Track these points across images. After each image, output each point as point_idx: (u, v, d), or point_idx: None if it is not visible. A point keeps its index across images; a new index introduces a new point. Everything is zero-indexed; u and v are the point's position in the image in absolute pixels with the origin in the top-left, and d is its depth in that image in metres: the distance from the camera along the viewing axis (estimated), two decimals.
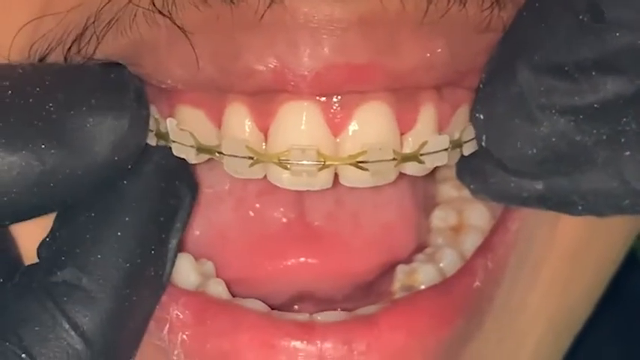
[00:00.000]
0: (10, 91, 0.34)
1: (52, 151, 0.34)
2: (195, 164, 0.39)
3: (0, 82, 0.34)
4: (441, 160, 0.38)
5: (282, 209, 0.43)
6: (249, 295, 0.40)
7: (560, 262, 0.42)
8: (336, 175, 0.38)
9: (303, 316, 0.39)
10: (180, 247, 0.41)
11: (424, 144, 0.37)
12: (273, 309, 0.40)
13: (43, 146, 0.34)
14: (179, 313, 0.38)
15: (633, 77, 0.33)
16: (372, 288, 0.43)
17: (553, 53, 0.34)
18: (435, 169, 0.40)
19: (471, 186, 0.39)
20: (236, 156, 0.37)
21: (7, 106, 0.34)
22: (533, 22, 0.34)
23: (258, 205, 0.43)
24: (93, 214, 0.36)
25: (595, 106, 0.34)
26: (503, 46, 0.36)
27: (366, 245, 0.43)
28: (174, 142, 0.38)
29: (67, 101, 0.34)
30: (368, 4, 0.34)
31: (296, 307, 0.43)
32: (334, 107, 0.37)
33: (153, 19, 0.35)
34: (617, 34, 0.32)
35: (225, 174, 0.40)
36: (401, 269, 0.41)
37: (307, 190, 0.38)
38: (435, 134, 0.38)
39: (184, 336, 0.38)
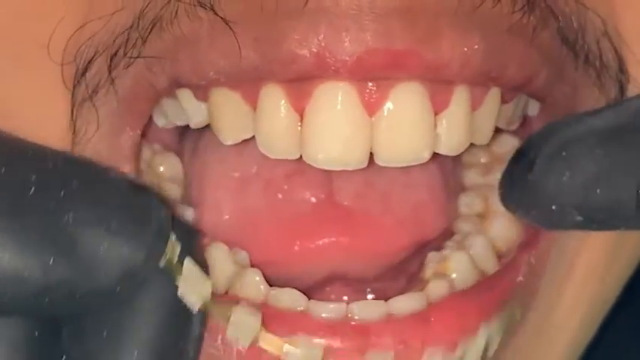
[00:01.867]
0: (34, 188, 0.31)
1: (58, 268, 0.31)
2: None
3: (28, 174, 0.31)
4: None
5: (311, 190, 0.43)
6: (280, 276, 0.41)
7: (595, 255, 0.42)
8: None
9: (380, 309, 0.39)
10: (212, 235, 0.41)
11: None
12: (305, 290, 0.40)
13: (50, 260, 0.31)
14: None
15: None
16: (402, 269, 0.43)
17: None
18: (462, 154, 0.40)
19: (517, 214, 0.39)
20: None
21: (28, 205, 0.31)
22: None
23: (286, 187, 0.43)
24: (105, 334, 0.33)
25: None
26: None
27: (396, 225, 0.43)
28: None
29: (87, 217, 0.31)
30: None
31: (328, 288, 0.43)
32: (370, 88, 0.37)
33: (194, 13, 0.35)
34: None
35: (253, 157, 0.40)
36: (432, 257, 0.42)
37: (337, 171, 0.39)
38: (469, 114, 0.38)
39: (239, 348, 0.37)
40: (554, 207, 0.36)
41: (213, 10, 0.35)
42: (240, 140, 0.39)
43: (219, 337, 0.37)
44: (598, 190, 0.35)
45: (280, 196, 0.43)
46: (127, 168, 0.38)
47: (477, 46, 0.36)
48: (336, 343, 0.37)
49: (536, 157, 0.37)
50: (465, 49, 0.36)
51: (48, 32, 0.36)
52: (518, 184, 0.38)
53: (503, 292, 0.39)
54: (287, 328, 0.37)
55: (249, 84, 0.38)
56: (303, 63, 0.35)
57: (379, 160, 0.38)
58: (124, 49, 0.36)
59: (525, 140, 0.38)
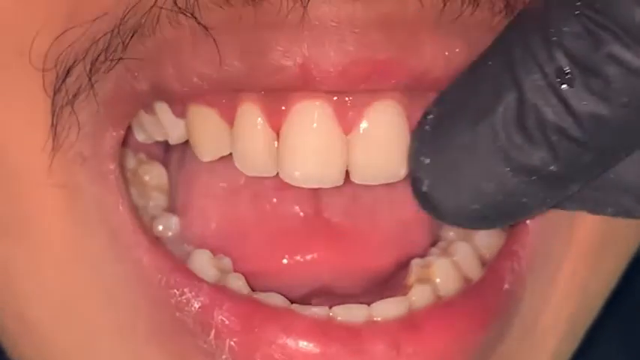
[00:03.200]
0: None
1: None
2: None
3: None
4: None
5: (299, 204, 0.43)
6: (265, 288, 0.41)
7: (580, 260, 0.42)
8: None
9: (362, 312, 0.39)
10: (198, 243, 0.42)
11: None
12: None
13: None
14: (224, 319, 0.38)
15: (592, 145, 0.32)
16: (388, 283, 0.43)
17: (515, 108, 0.32)
18: None
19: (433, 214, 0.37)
20: None
21: None
22: (501, 67, 0.33)
23: (274, 200, 0.43)
24: None
25: (551, 169, 0.32)
26: (463, 82, 0.35)
27: (383, 241, 0.43)
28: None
29: None
30: (388, 3, 0.35)
31: (313, 301, 0.43)
32: (346, 106, 0.38)
33: (176, 19, 0.35)
34: (584, 102, 0.31)
35: None
36: (416, 263, 0.42)
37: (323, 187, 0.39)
38: None
39: (232, 343, 0.37)
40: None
41: (195, 18, 0.35)
42: (217, 157, 0.40)
43: (212, 332, 0.38)
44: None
45: (268, 208, 0.43)
46: (111, 166, 0.39)
47: (458, 49, 0.36)
48: (327, 347, 0.37)
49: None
50: (447, 53, 0.36)
51: (28, 40, 0.36)
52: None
53: (491, 299, 0.39)
54: (274, 327, 0.37)
55: (225, 100, 0.38)
56: (288, 74, 0.36)
57: (355, 179, 0.39)
58: (105, 54, 0.36)
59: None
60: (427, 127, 0.35)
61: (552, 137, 0.32)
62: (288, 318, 0.38)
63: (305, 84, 0.36)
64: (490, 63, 0.33)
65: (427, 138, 0.35)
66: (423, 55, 0.36)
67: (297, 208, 0.43)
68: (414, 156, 0.35)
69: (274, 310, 0.38)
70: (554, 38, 0.31)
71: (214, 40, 0.35)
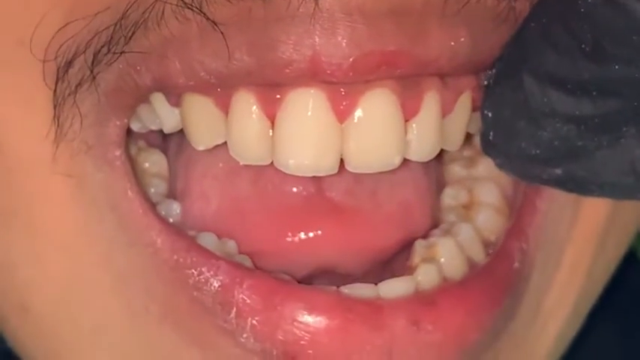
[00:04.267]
0: None
1: None
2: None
3: None
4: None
5: (301, 184, 0.43)
6: (268, 268, 0.41)
7: (584, 242, 0.43)
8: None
9: (369, 291, 0.39)
10: (200, 226, 0.42)
11: None
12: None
13: None
14: (245, 298, 0.38)
15: (632, 101, 0.33)
16: (390, 265, 0.43)
17: (556, 70, 0.34)
18: (442, 151, 0.40)
19: (496, 161, 0.40)
20: None
21: None
22: (540, 36, 0.34)
23: (276, 180, 0.43)
24: None
25: (595, 119, 0.34)
26: (512, 48, 0.36)
27: (385, 221, 0.43)
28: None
29: None
30: None
31: (315, 283, 0.43)
32: (340, 94, 0.38)
33: (182, 14, 0.35)
34: (617, 66, 0.33)
35: None
36: (420, 244, 0.42)
37: None
38: (440, 120, 0.39)
39: (254, 321, 0.37)
40: (535, 157, 0.37)
41: (203, 14, 0.35)
42: (212, 146, 0.40)
43: (233, 311, 0.38)
44: (587, 154, 0.36)
45: (269, 188, 0.43)
46: (117, 153, 0.39)
47: (463, 39, 0.36)
48: (349, 323, 0.37)
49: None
50: (452, 42, 0.36)
51: (29, 31, 0.36)
52: (505, 131, 0.38)
53: (502, 276, 0.40)
54: (296, 305, 0.37)
55: (222, 90, 0.38)
56: (298, 67, 0.36)
57: (349, 167, 0.39)
58: (108, 47, 0.36)
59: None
60: (487, 83, 0.37)
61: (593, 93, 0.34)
62: (309, 294, 0.38)
63: (314, 77, 0.36)
64: (533, 25, 0.35)
65: (488, 93, 0.37)
66: (430, 45, 0.36)
67: (299, 187, 0.43)
68: (481, 109, 0.37)
69: (295, 287, 0.38)
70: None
71: (223, 34, 0.35)
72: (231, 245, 0.41)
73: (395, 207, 0.44)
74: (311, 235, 0.43)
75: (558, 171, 0.37)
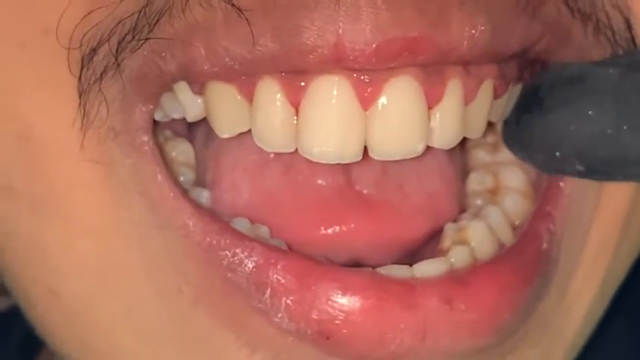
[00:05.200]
0: None
1: None
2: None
3: None
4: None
5: (330, 176, 0.44)
6: None
7: (608, 224, 0.43)
8: None
9: (404, 272, 0.39)
10: (230, 215, 0.42)
11: None
12: None
13: None
14: (280, 278, 0.38)
15: None
16: (420, 255, 0.43)
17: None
18: (465, 138, 0.41)
19: (518, 154, 0.41)
20: None
21: None
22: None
23: (306, 172, 0.43)
24: None
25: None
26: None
27: (413, 213, 0.44)
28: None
29: None
30: None
31: None
32: (364, 82, 0.38)
33: (207, 1, 0.36)
34: None
35: None
36: (450, 227, 0.42)
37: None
38: (462, 107, 0.39)
39: (288, 301, 0.38)
40: (557, 154, 0.38)
41: (228, 0, 0.35)
42: (236, 134, 0.40)
43: (268, 291, 0.38)
44: (604, 145, 0.37)
45: (299, 180, 0.43)
46: (145, 138, 0.39)
47: (483, 27, 0.36)
48: (383, 302, 0.37)
49: (543, 100, 0.38)
50: (473, 31, 0.36)
51: (54, 20, 0.36)
52: (525, 126, 0.39)
53: (532, 257, 0.40)
54: (330, 284, 0.38)
55: (246, 77, 0.38)
56: (322, 53, 0.36)
57: (373, 154, 0.39)
58: (132, 35, 0.36)
59: (536, 79, 0.39)
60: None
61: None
62: (343, 275, 0.38)
63: (337, 63, 0.36)
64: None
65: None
66: (451, 32, 0.36)
67: (328, 180, 0.44)
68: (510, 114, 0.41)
69: (330, 268, 0.39)
70: None
71: (248, 21, 0.36)
72: (263, 230, 0.42)
73: (422, 197, 0.44)
74: (342, 228, 0.43)
75: (580, 167, 0.38)
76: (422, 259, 0.41)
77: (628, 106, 0.37)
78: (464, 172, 0.46)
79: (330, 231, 0.43)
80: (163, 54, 0.37)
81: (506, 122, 0.41)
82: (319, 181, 0.43)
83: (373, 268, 0.41)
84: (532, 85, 0.39)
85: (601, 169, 0.38)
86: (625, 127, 0.37)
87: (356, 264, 0.43)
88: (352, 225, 0.43)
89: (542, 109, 0.39)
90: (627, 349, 0.55)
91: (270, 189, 0.43)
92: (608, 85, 0.37)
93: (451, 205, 0.44)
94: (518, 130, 0.40)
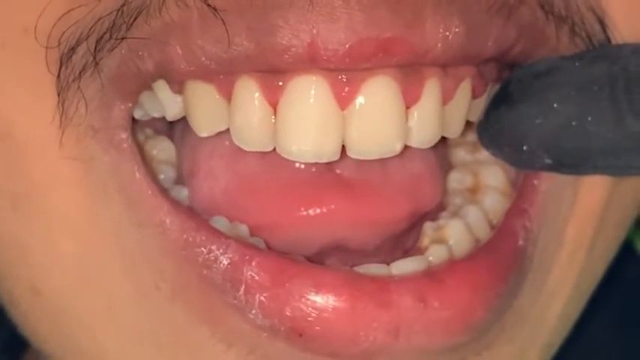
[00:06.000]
0: None
1: None
2: None
3: None
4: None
5: None
6: (280, 244, 0.41)
7: (585, 220, 0.43)
8: None
9: (381, 271, 0.39)
10: (210, 206, 0.42)
11: None
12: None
13: None
14: (254, 275, 0.38)
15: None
16: (399, 243, 0.44)
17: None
18: None
19: (490, 150, 0.41)
20: None
21: None
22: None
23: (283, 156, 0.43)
24: None
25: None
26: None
27: (395, 194, 0.43)
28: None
29: None
30: None
31: (328, 262, 0.43)
32: (342, 81, 0.38)
33: (183, 1, 0.36)
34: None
35: None
36: (428, 226, 0.42)
37: None
38: (440, 107, 0.39)
39: (262, 298, 0.38)
40: (525, 148, 0.38)
41: (203, 0, 0.36)
42: (215, 132, 0.40)
43: (242, 288, 0.38)
44: (569, 137, 0.37)
45: (277, 164, 0.43)
46: (123, 136, 0.39)
47: (457, 29, 0.37)
48: (356, 301, 0.38)
49: (511, 95, 0.39)
50: (447, 33, 0.37)
51: (33, 18, 0.37)
52: (493, 122, 0.40)
53: (507, 254, 0.40)
54: (304, 282, 0.38)
55: (224, 76, 0.39)
56: (296, 52, 0.36)
57: (351, 153, 0.39)
58: (110, 34, 0.37)
59: (506, 78, 0.40)
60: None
61: None
62: (317, 272, 0.38)
63: (312, 63, 0.37)
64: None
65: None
66: (425, 33, 0.36)
67: (309, 163, 0.43)
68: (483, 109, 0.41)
69: (304, 265, 0.39)
70: None
71: (223, 20, 0.36)
72: (242, 228, 0.42)
73: (404, 179, 0.44)
74: (323, 210, 0.43)
75: (548, 160, 0.38)
76: (403, 250, 0.42)
77: (591, 97, 0.37)
78: (447, 168, 0.46)
79: (310, 212, 0.43)
80: (141, 53, 0.37)
81: (480, 119, 0.41)
82: (298, 165, 0.43)
83: (354, 251, 0.42)
84: (503, 82, 0.40)
85: (569, 162, 0.38)
86: (589, 119, 0.37)
87: (337, 247, 0.43)
88: (332, 206, 0.43)
89: (510, 104, 0.39)
90: (611, 346, 0.55)
91: (248, 174, 0.43)
92: (572, 77, 0.37)
93: (433, 190, 0.44)
94: (487, 126, 0.40)
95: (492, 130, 0.40)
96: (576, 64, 0.38)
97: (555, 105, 0.37)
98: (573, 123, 0.37)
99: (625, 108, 0.36)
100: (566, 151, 0.38)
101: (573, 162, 0.38)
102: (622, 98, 0.36)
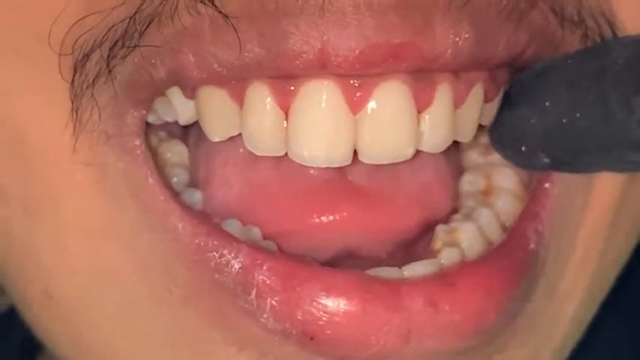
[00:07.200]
0: None
1: None
2: None
3: None
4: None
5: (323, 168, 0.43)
6: (294, 252, 0.41)
7: (596, 224, 0.43)
8: None
9: (393, 274, 0.39)
10: (224, 211, 0.43)
11: None
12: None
13: None
14: (265, 279, 0.38)
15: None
16: (412, 248, 0.44)
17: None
18: None
19: (498, 152, 0.42)
20: None
21: None
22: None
23: (297, 163, 0.43)
24: None
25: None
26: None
27: (407, 202, 0.44)
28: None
29: None
30: None
31: (340, 267, 0.43)
32: (354, 86, 0.38)
33: (195, 8, 0.36)
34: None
35: None
36: (441, 228, 0.42)
37: None
38: (452, 111, 0.39)
39: (273, 302, 0.38)
40: (523, 148, 0.39)
41: (215, 7, 0.36)
42: (227, 137, 0.40)
43: (253, 292, 0.38)
44: (562, 135, 0.37)
45: (291, 172, 0.44)
46: (137, 142, 0.39)
47: (467, 35, 0.37)
48: (367, 304, 0.38)
49: (512, 97, 0.40)
50: (457, 38, 0.37)
51: (47, 25, 0.37)
52: (497, 124, 0.40)
53: (519, 258, 0.40)
54: (315, 286, 0.38)
55: (236, 82, 0.39)
56: (307, 58, 0.36)
57: (363, 158, 0.39)
58: (122, 41, 0.37)
59: (513, 82, 0.40)
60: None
61: None
62: (328, 276, 0.38)
63: (322, 68, 0.37)
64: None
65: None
66: (435, 40, 0.36)
67: (320, 170, 0.44)
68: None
69: (315, 269, 0.39)
70: None
71: (234, 27, 0.36)
72: (255, 232, 0.42)
73: (416, 187, 0.44)
74: (335, 217, 0.43)
75: (546, 160, 0.38)
76: (415, 254, 0.42)
77: (580, 94, 0.37)
78: (459, 172, 0.46)
79: (322, 219, 0.43)
80: (153, 60, 0.37)
81: (491, 122, 0.41)
82: (311, 172, 0.44)
83: (366, 258, 0.42)
84: (509, 85, 0.40)
85: (565, 160, 0.38)
86: (578, 115, 0.37)
87: (349, 254, 0.43)
88: (345, 214, 0.43)
89: (510, 105, 0.39)
90: (626, 345, 0.55)
91: (261, 181, 0.44)
92: (563, 75, 0.38)
93: (444, 197, 0.45)
94: (493, 129, 0.41)
95: (496, 132, 0.41)
96: (569, 61, 0.38)
97: (547, 103, 0.38)
98: (564, 120, 0.37)
99: (613, 102, 0.36)
100: (560, 149, 0.38)
101: (569, 160, 0.38)
102: (610, 92, 0.36)
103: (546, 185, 0.41)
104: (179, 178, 0.44)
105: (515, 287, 0.39)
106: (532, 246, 0.40)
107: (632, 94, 0.35)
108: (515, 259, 0.40)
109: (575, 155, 0.38)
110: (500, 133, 0.41)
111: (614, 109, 0.36)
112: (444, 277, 0.39)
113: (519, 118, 0.39)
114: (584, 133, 0.37)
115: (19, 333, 0.51)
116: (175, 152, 0.44)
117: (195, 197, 0.43)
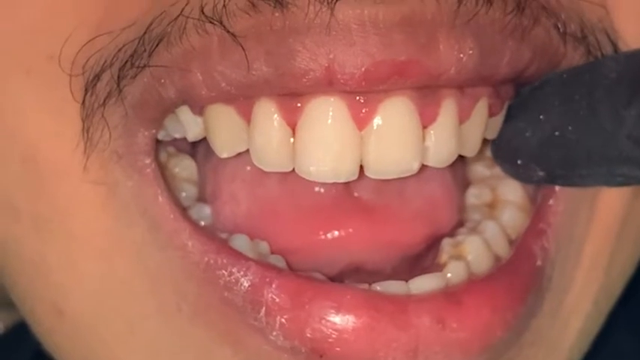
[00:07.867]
0: None
1: None
2: None
3: None
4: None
5: (328, 183, 0.44)
6: (299, 267, 0.42)
7: (601, 240, 0.43)
8: None
9: (400, 288, 0.40)
10: (231, 227, 0.43)
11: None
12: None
13: None
14: (275, 297, 0.38)
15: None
16: (418, 262, 0.44)
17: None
18: None
19: (499, 166, 0.42)
20: None
21: None
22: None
23: (304, 180, 0.43)
24: None
25: None
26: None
27: (412, 217, 0.44)
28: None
29: None
30: (409, 4, 0.36)
31: (347, 281, 0.43)
32: (359, 102, 0.39)
33: (203, 28, 0.37)
34: None
35: None
36: (447, 242, 0.43)
37: None
38: (457, 126, 0.40)
39: (282, 319, 0.38)
40: (519, 162, 0.40)
41: (223, 27, 0.36)
42: (235, 153, 0.41)
43: (263, 310, 0.38)
44: (554, 148, 0.38)
45: (298, 188, 0.44)
46: (147, 161, 0.40)
47: (471, 51, 0.37)
48: (376, 322, 0.38)
49: (510, 111, 0.40)
50: (461, 55, 0.37)
51: (58, 46, 0.38)
52: (497, 139, 0.41)
53: (526, 274, 0.40)
54: (324, 303, 0.38)
55: (244, 98, 0.39)
56: (314, 76, 0.37)
57: (369, 173, 0.40)
58: (131, 62, 0.37)
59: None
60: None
61: None
62: (337, 293, 0.39)
63: (329, 86, 0.37)
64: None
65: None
66: (439, 56, 0.37)
67: (326, 186, 0.44)
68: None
69: (323, 286, 0.39)
70: None
71: (242, 46, 0.36)
72: (263, 246, 0.42)
73: (422, 203, 0.44)
74: (340, 232, 0.44)
75: (541, 173, 0.39)
76: (421, 269, 0.42)
77: (572, 107, 0.37)
78: (465, 185, 0.46)
79: (329, 236, 0.44)
80: (162, 80, 0.38)
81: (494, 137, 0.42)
82: (317, 189, 0.44)
83: (373, 273, 0.43)
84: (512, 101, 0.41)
85: (558, 173, 0.39)
86: (570, 128, 0.37)
87: (356, 269, 0.44)
88: (351, 229, 0.44)
89: (507, 120, 0.40)
90: (632, 358, 0.55)
91: (268, 197, 0.44)
92: (557, 89, 0.38)
93: (450, 212, 0.45)
94: (493, 142, 0.41)
95: (495, 146, 0.41)
96: (564, 76, 0.38)
97: (541, 117, 0.38)
98: (556, 133, 0.38)
99: (603, 114, 0.36)
100: (553, 162, 0.38)
101: (563, 173, 0.38)
102: (600, 105, 0.36)
103: (550, 201, 0.42)
104: (188, 192, 0.44)
105: (522, 304, 0.40)
106: (538, 263, 0.41)
107: (622, 107, 0.36)
108: (521, 276, 0.40)
109: (568, 168, 0.38)
110: (499, 147, 0.41)
111: (604, 121, 0.36)
112: (450, 294, 0.39)
113: (515, 131, 0.39)
114: (576, 146, 0.37)
115: (29, 347, 0.51)
116: (184, 167, 0.44)
117: (204, 212, 0.44)
